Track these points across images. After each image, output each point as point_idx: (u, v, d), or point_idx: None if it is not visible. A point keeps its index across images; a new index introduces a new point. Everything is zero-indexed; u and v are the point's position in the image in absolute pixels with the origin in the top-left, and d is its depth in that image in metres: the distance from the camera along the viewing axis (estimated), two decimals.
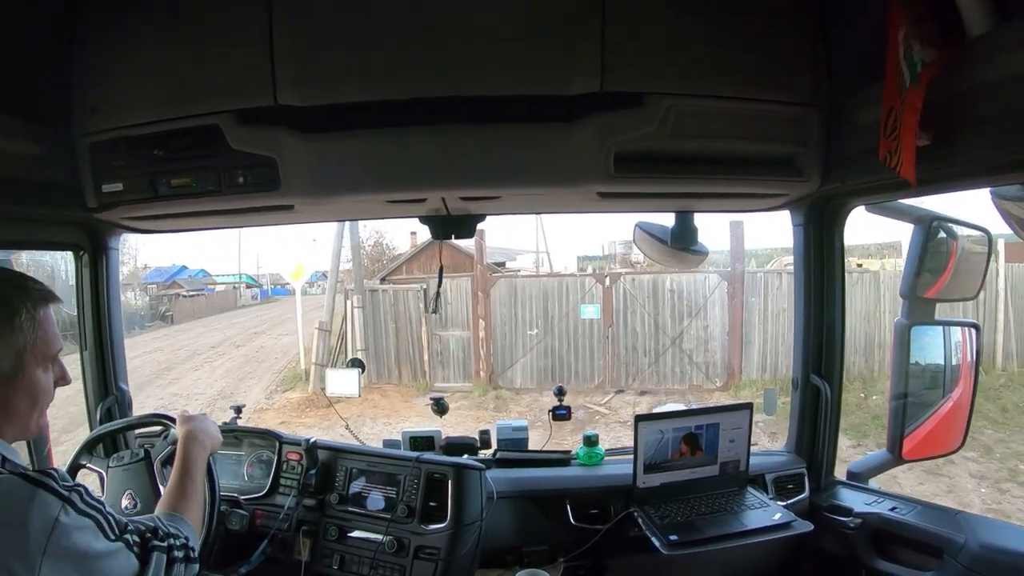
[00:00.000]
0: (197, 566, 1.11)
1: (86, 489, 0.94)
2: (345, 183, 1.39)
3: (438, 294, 2.82)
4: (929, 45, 1.07)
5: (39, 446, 1.67)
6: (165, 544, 1.03)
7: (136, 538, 0.99)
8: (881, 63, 1.15)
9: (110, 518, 0.96)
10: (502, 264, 14.06)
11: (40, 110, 1.36)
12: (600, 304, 9.16)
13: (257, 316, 18.87)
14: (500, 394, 9.11)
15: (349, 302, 9.89)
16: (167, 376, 11.10)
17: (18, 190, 1.36)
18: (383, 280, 11.67)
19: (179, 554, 1.05)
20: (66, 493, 0.91)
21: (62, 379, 1.04)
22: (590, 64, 1.27)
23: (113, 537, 0.95)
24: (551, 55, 1.27)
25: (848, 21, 1.38)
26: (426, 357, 9.68)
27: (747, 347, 8.77)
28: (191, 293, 21.98)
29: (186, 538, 1.09)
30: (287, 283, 12.06)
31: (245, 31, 1.28)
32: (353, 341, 9.77)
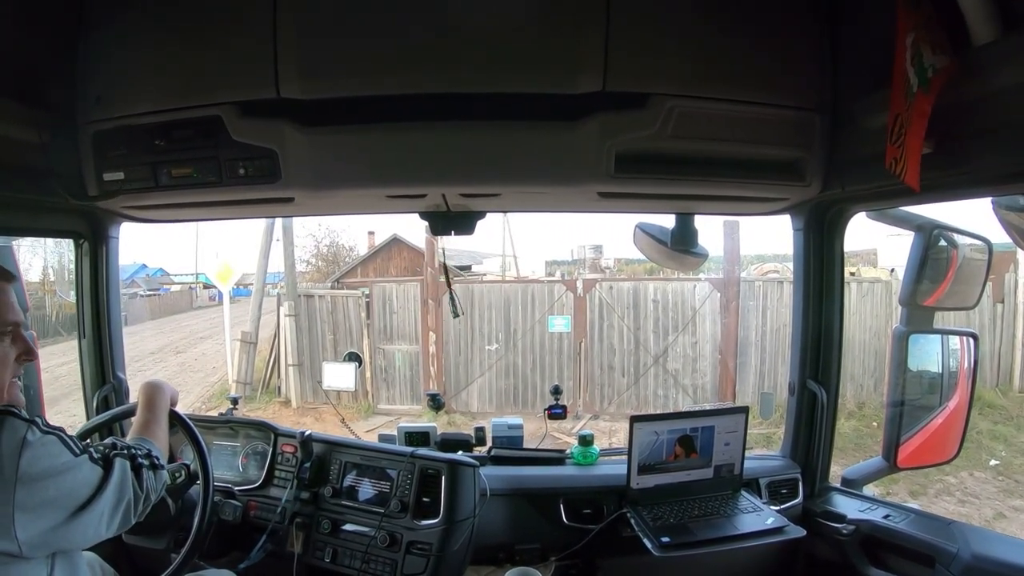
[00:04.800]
0: (165, 472, 1.24)
1: (44, 420, 1.03)
2: (345, 177, 1.40)
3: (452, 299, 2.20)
4: (940, 51, 1.06)
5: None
6: (127, 453, 1.13)
7: (97, 454, 1.08)
8: (887, 69, 1.14)
9: (73, 438, 1.05)
10: (467, 268, 13.18)
11: (44, 98, 1.36)
12: (571, 316, 7.99)
13: (209, 319, 17.75)
14: (453, 419, 7.75)
15: (281, 309, 8.65)
16: None
17: (20, 177, 1.36)
18: (337, 283, 10.75)
19: (144, 462, 1.16)
20: (29, 418, 1.00)
21: (25, 354, 1.09)
22: (593, 63, 1.26)
23: (78, 451, 1.04)
24: (554, 54, 1.26)
25: (854, 26, 1.38)
26: (369, 374, 8.29)
27: (742, 368, 7.72)
28: (147, 293, 21.38)
29: (148, 450, 1.20)
30: (249, 284, 10.82)
31: (249, 24, 1.28)
32: (285, 355, 8.56)
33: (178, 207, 1.59)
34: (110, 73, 1.38)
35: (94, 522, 1.04)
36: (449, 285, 2.05)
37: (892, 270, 8.47)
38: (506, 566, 1.71)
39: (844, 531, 1.69)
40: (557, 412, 1.98)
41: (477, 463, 1.71)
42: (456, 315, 2.10)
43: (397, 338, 8.48)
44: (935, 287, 1.70)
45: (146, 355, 12.79)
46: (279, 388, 8.81)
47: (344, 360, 2.12)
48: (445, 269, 2.14)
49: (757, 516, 1.69)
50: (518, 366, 8.13)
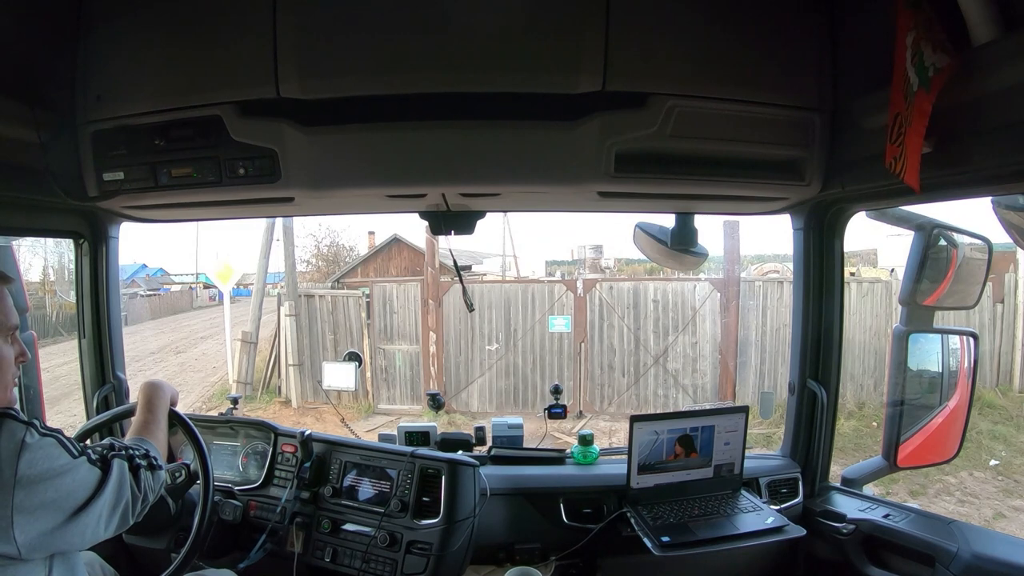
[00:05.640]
0: (163, 472, 1.24)
1: (42, 421, 1.03)
2: (345, 176, 1.40)
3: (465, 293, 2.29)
4: (940, 51, 1.06)
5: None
6: (124, 453, 1.13)
7: (95, 455, 1.08)
8: (887, 69, 1.14)
9: (71, 439, 1.05)
10: (468, 268, 12.99)
11: (44, 97, 1.36)
12: (571, 316, 7.98)
13: (209, 319, 17.69)
14: (453, 419, 7.72)
15: (282, 308, 8.64)
16: None
17: (19, 176, 1.36)
18: (337, 283, 10.75)
19: (142, 462, 1.16)
20: (27, 420, 1.00)
21: (22, 355, 1.10)
22: (593, 63, 1.26)
23: (76, 453, 1.04)
24: (554, 54, 1.26)
25: (855, 26, 1.38)
26: (369, 374, 8.32)
27: (742, 368, 7.69)
28: (147, 293, 21.18)
29: (146, 450, 1.20)
30: (249, 284, 10.79)
31: (249, 23, 1.28)
32: (286, 355, 8.55)
33: (178, 207, 1.59)
34: (110, 72, 1.38)
35: (92, 523, 1.04)
36: (461, 281, 2.08)
37: (892, 270, 8.47)
38: (506, 566, 1.71)
39: (844, 530, 1.69)
40: (557, 412, 1.98)
41: (477, 463, 1.72)
42: (471, 308, 2.16)
43: (397, 338, 8.47)
44: (935, 286, 1.70)
45: (146, 355, 12.71)
46: (279, 388, 8.79)
47: (344, 360, 2.12)
48: (456, 267, 2.16)
49: (757, 515, 1.69)
50: (518, 366, 8.12)
